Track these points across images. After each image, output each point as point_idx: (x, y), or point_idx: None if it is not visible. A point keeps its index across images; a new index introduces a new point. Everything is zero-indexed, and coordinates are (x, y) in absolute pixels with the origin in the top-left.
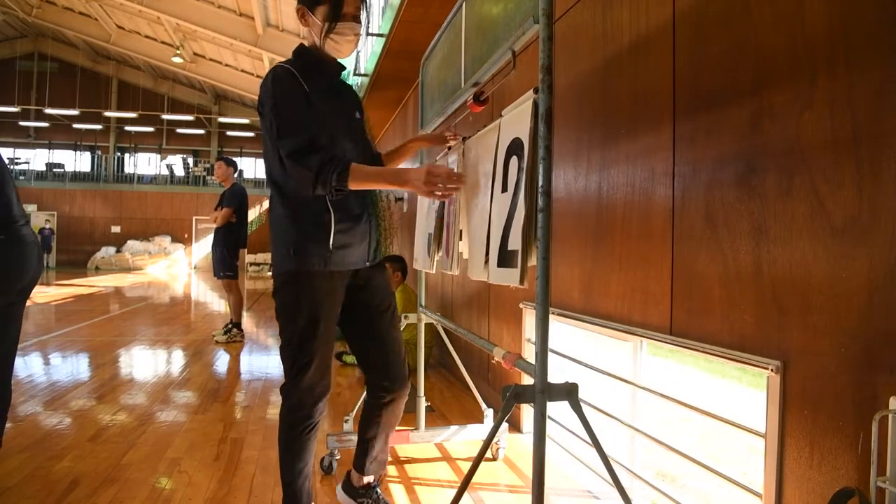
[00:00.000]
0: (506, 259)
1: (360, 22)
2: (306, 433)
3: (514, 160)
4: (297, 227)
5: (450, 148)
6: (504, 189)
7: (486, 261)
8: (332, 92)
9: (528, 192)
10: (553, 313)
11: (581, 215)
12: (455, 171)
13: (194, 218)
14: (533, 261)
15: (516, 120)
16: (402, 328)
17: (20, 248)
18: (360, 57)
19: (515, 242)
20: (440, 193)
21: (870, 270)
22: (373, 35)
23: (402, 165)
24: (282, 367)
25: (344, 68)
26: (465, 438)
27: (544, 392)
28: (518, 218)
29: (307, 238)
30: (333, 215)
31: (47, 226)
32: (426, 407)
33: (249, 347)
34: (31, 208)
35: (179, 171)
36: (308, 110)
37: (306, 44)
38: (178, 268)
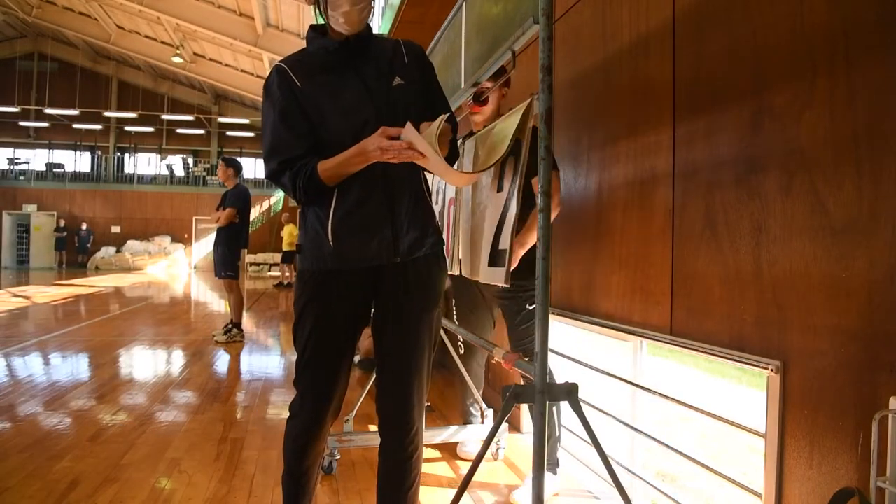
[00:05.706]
0: (495, 258)
1: None
2: (292, 438)
3: (510, 160)
4: (303, 223)
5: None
6: (499, 189)
7: (481, 259)
8: (348, 71)
9: (520, 194)
10: (553, 313)
11: (581, 215)
12: (411, 144)
13: (194, 218)
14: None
15: (516, 120)
16: None
17: None
18: None
19: (505, 242)
20: (391, 155)
21: (870, 270)
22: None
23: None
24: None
25: (364, 34)
26: (465, 438)
27: (544, 392)
28: (509, 218)
29: (306, 235)
30: (334, 204)
31: (84, 227)
32: (426, 407)
33: (249, 348)
34: (30, 208)
35: (179, 172)
36: (290, 121)
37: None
38: (177, 268)
